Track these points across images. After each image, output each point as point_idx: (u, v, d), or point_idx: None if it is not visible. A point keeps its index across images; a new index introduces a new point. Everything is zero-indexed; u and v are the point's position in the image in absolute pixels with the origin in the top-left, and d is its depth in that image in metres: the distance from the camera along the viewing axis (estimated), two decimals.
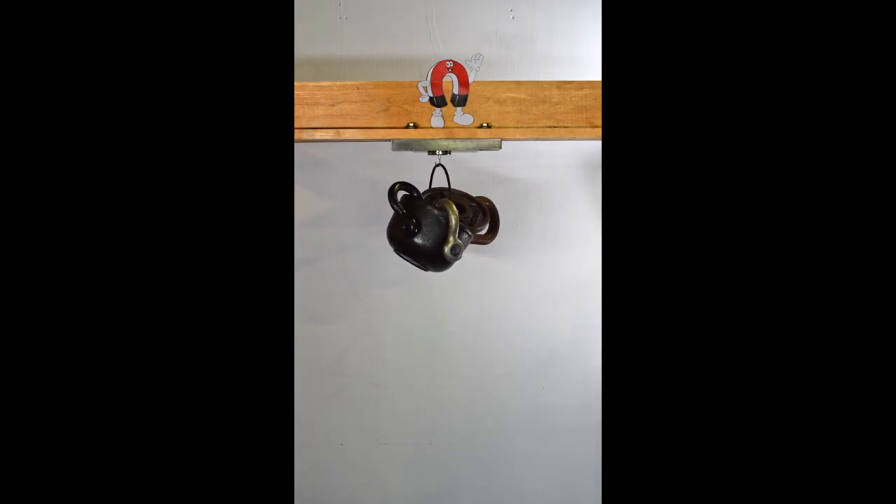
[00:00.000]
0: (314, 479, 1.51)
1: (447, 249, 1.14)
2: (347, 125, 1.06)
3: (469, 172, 1.22)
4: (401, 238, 1.14)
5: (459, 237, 1.14)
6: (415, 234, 1.12)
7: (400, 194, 1.14)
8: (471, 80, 1.05)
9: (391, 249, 1.22)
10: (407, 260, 1.19)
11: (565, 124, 1.08)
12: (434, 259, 1.15)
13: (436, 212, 1.14)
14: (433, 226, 1.13)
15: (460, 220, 1.14)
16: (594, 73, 1.37)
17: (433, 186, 1.20)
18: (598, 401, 1.43)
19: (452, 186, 1.16)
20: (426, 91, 1.05)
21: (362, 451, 1.52)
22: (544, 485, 1.55)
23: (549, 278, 1.47)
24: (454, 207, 1.15)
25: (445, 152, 1.11)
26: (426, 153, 1.13)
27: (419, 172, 1.19)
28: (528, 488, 1.55)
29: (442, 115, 1.06)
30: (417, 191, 1.15)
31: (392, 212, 1.17)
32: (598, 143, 1.27)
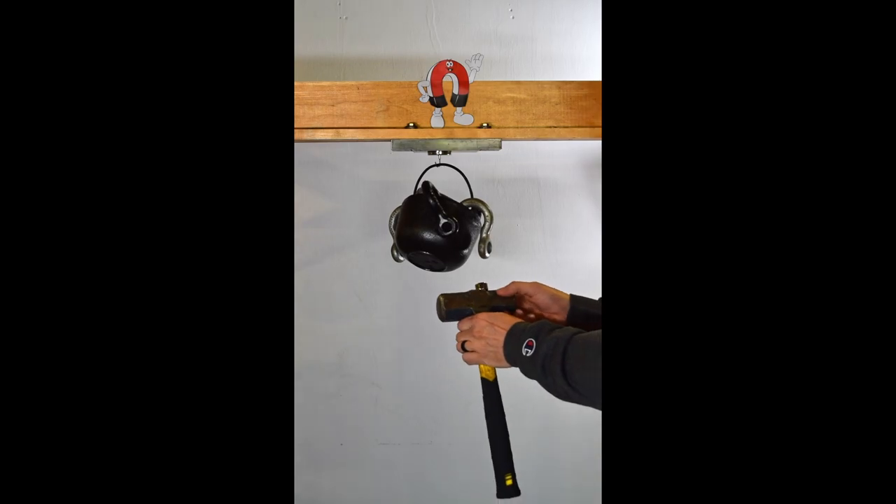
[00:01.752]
0: (314, 478, 1.51)
1: (484, 248, 1.16)
2: (348, 125, 1.06)
3: (469, 172, 1.22)
4: (431, 234, 1.11)
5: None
6: (452, 231, 1.10)
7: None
8: (471, 80, 1.05)
9: (391, 249, 1.22)
10: (417, 258, 1.17)
11: (565, 124, 1.08)
12: (459, 257, 1.15)
13: (470, 210, 1.15)
14: (466, 224, 1.13)
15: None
16: (594, 73, 1.37)
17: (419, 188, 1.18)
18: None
19: (441, 191, 1.15)
20: (426, 91, 1.05)
21: (362, 450, 1.52)
22: (544, 484, 1.55)
23: (548, 277, 1.47)
24: (489, 207, 1.16)
25: (445, 152, 1.11)
26: (426, 153, 1.13)
27: (419, 172, 1.19)
28: (528, 488, 1.55)
29: (442, 115, 1.06)
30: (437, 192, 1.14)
31: (400, 210, 1.17)
32: (598, 143, 1.27)
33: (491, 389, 1.04)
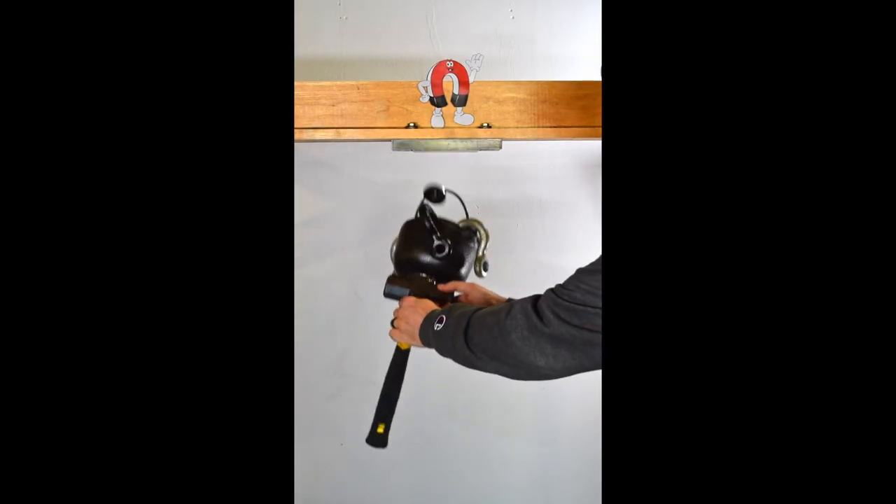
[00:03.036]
0: (314, 479, 1.52)
1: (480, 267, 1.16)
2: (348, 125, 1.06)
3: (469, 172, 1.22)
4: (427, 257, 1.12)
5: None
6: (445, 253, 1.11)
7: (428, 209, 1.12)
8: (471, 80, 1.05)
9: (391, 248, 1.22)
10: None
11: (565, 124, 1.08)
12: (456, 277, 1.15)
13: (465, 232, 1.15)
14: (460, 245, 1.14)
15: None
16: (594, 72, 1.37)
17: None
18: (598, 401, 1.43)
19: (444, 199, 1.14)
20: (426, 91, 1.05)
21: (362, 451, 1.51)
22: (544, 485, 1.55)
23: (548, 278, 1.47)
24: (484, 227, 1.17)
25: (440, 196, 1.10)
26: (425, 151, 1.12)
27: (419, 172, 1.19)
28: (527, 489, 1.55)
29: (442, 115, 1.06)
30: (441, 192, 1.13)
31: (398, 229, 1.16)
32: (598, 143, 1.27)
33: (400, 357, 1.16)
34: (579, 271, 0.86)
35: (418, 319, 1.04)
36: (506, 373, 0.92)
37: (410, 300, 1.08)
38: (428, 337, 1.01)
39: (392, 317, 1.12)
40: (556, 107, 1.07)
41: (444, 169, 1.18)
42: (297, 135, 1.05)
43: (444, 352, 0.99)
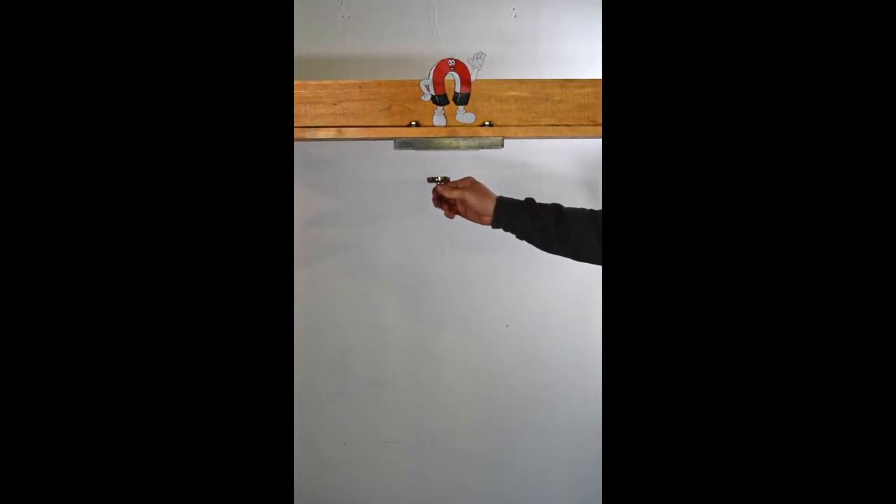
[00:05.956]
0: (317, 477, 1.52)
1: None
2: (350, 124, 1.06)
3: (471, 171, 1.22)
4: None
5: None
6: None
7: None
8: (473, 78, 1.04)
9: (393, 248, 1.21)
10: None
11: (567, 122, 1.07)
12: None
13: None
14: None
15: None
16: (596, 71, 1.37)
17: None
18: (599, 400, 1.43)
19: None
20: (428, 90, 1.05)
21: (365, 449, 1.52)
22: (546, 483, 1.55)
23: (550, 277, 1.47)
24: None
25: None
26: (428, 151, 1.12)
27: (422, 171, 1.19)
28: (529, 487, 1.55)
29: (444, 114, 1.06)
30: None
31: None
32: (600, 142, 1.27)
33: None
34: None
35: (494, 195, 1.14)
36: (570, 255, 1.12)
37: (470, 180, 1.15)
38: (503, 202, 1.12)
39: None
40: (558, 105, 1.07)
41: (446, 167, 1.17)
42: (299, 134, 1.05)
43: (518, 223, 1.12)
